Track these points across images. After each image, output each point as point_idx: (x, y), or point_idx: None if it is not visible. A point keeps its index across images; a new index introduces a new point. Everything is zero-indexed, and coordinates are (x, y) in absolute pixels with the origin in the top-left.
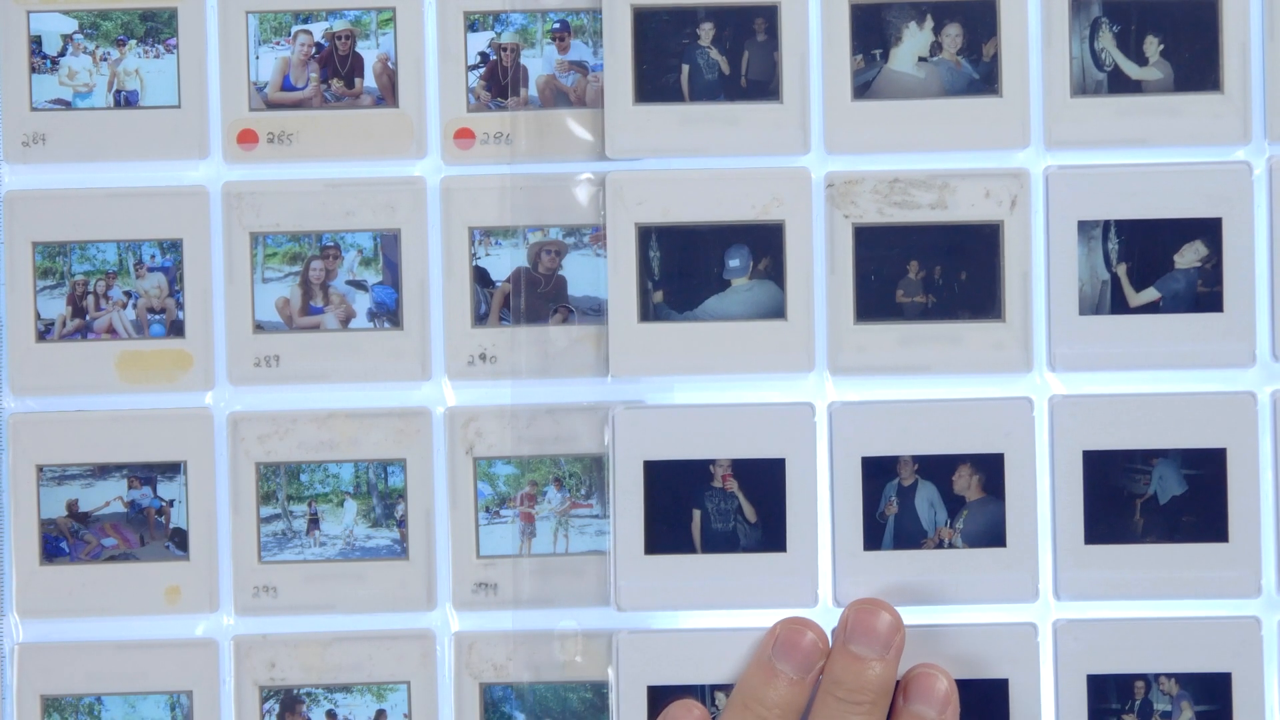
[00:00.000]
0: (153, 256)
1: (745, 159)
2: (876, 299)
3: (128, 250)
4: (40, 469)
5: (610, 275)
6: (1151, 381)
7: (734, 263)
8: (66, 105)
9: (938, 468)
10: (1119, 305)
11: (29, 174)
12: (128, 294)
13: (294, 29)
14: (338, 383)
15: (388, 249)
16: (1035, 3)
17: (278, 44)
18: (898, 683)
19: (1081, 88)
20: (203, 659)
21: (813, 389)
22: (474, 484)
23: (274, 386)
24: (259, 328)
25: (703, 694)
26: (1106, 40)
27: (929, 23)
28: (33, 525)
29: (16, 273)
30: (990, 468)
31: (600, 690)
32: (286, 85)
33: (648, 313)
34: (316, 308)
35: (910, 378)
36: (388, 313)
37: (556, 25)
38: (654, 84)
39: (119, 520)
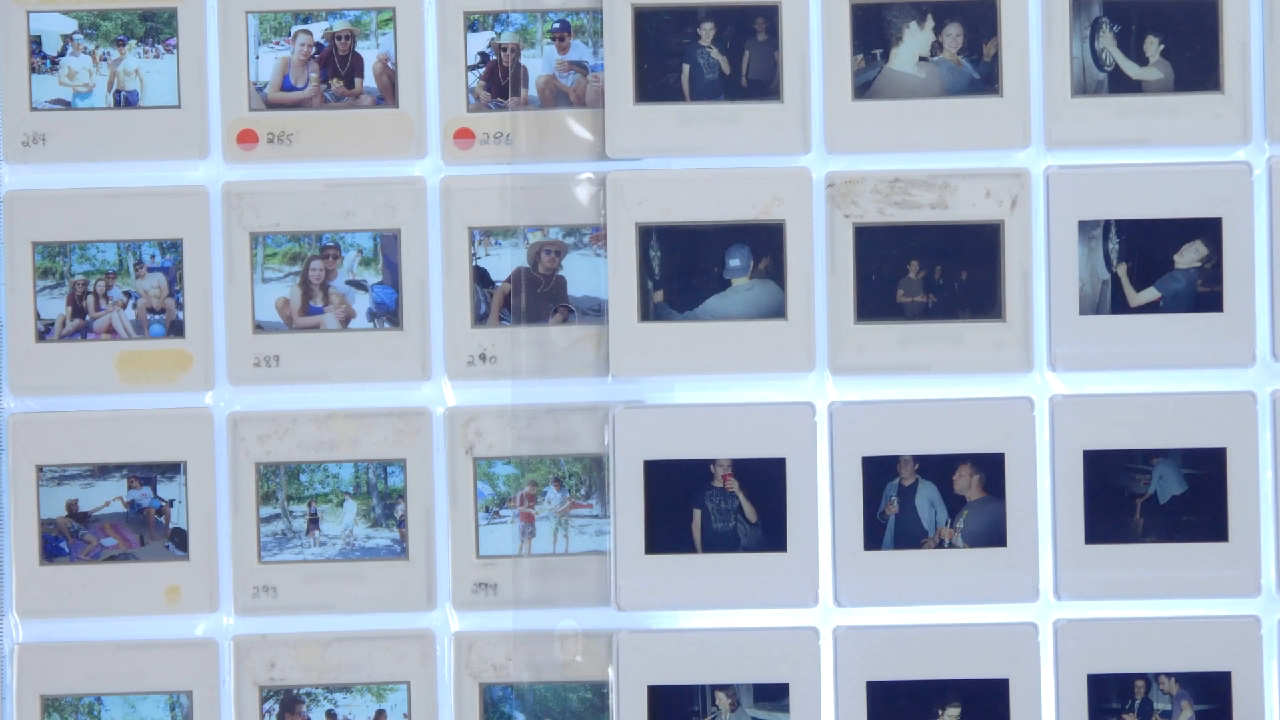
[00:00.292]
0: (153, 256)
1: (746, 159)
2: (877, 299)
3: (128, 250)
4: (40, 469)
5: (610, 275)
6: (1151, 381)
7: (734, 262)
8: (66, 105)
9: (938, 467)
10: (1119, 305)
11: (29, 174)
12: (128, 294)
13: (294, 29)
14: (338, 383)
15: (388, 249)
16: (1036, 3)
17: (278, 44)
18: None
19: (1082, 88)
20: (202, 659)
21: (813, 389)
22: (474, 484)
23: (274, 386)
24: (259, 328)
25: (703, 694)
26: (1107, 40)
27: (929, 22)
28: (32, 525)
29: (16, 273)
30: (990, 467)
31: (600, 690)
32: (286, 85)
33: (648, 312)
34: (316, 308)
35: (910, 377)
36: (388, 313)
37: (556, 25)
38: (654, 84)
39: (119, 520)
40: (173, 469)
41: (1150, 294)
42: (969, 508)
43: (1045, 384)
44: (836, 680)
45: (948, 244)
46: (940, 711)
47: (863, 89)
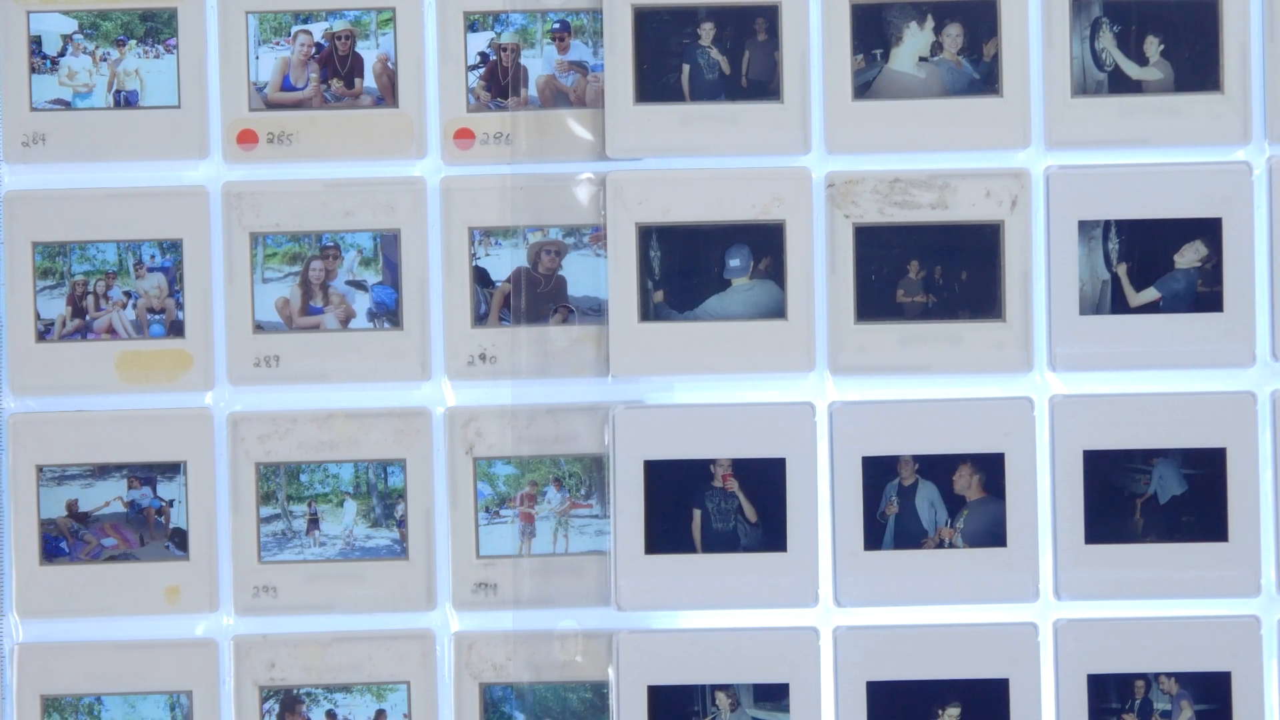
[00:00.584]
0: (153, 256)
1: (745, 159)
2: (877, 299)
3: (128, 250)
4: (40, 469)
5: (610, 275)
6: (1151, 381)
7: (734, 262)
8: (66, 105)
9: (938, 467)
10: (1119, 305)
11: (29, 174)
12: (128, 294)
13: (294, 29)
14: (338, 383)
15: (388, 249)
16: (1036, 3)
17: (278, 44)
18: None
19: (1082, 88)
20: (202, 659)
21: (813, 389)
22: (474, 484)
23: (274, 386)
24: (259, 328)
25: (703, 694)
26: (1107, 40)
27: (929, 23)
28: (32, 525)
29: (16, 273)
30: (991, 467)
31: (600, 690)
32: (286, 85)
33: (648, 312)
34: (316, 308)
35: (910, 377)
36: (388, 313)
37: (556, 25)
38: (654, 84)
39: (119, 520)
40: (173, 469)
41: (1150, 294)
42: (969, 508)
43: (1045, 384)
44: (836, 680)
45: (948, 244)
46: (940, 711)
47: (863, 89)
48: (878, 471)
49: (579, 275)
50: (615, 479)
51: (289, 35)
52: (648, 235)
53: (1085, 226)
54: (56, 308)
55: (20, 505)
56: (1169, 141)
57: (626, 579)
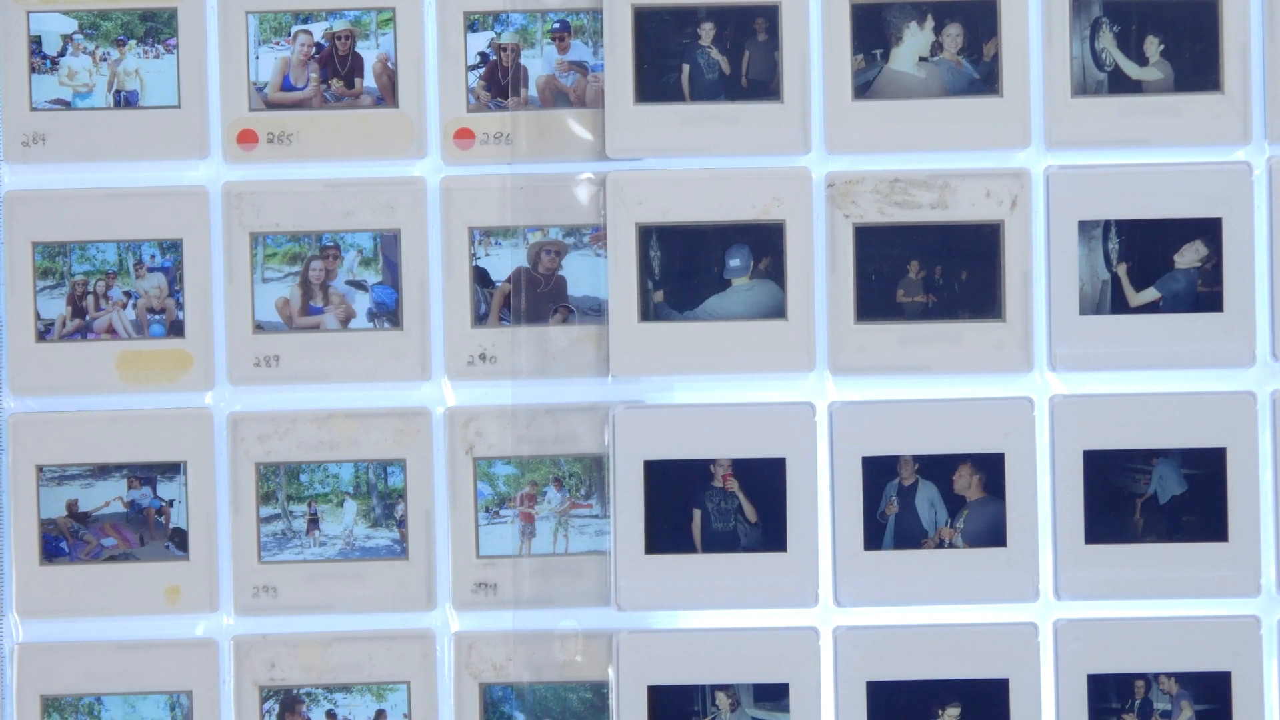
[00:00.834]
0: (153, 256)
1: (745, 159)
2: (877, 299)
3: (128, 250)
4: (40, 469)
5: (610, 275)
6: (1151, 381)
7: (734, 262)
8: (66, 105)
9: (938, 467)
10: (1119, 305)
11: (29, 174)
12: (128, 294)
13: (294, 29)
14: (338, 383)
15: (388, 249)
16: (1036, 3)
17: (278, 44)
18: None
19: (1082, 88)
20: (202, 659)
21: (813, 389)
22: (474, 484)
23: (274, 386)
24: (259, 328)
25: (703, 694)
26: (1107, 40)
27: (929, 22)
28: (32, 525)
29: (16, 273)
30: (990, 467)
31: (600, 690)
32: (286, 85)
33: (648, 312)
34: (316, 308)
35: (910, 377)
36: (388, 313)
37: (556, 25)
38: (654, 84)
39: (119, 520)
40: (173, 469)
41: (1150, 294)
42: (969, 508)
43: (1045, 384)
44: (836, 680)
45: (948, 244)
46: (940, 711)
47: (863, 89)
48: (878, 471)
49: (579, 275)
50: (615, 479)
51: (289, 35)
52: (648, 235)
53: (1085, 226)
54: (56, 308)
55: (20, 505)
56: (1169, 141)
57: (626, 579)
